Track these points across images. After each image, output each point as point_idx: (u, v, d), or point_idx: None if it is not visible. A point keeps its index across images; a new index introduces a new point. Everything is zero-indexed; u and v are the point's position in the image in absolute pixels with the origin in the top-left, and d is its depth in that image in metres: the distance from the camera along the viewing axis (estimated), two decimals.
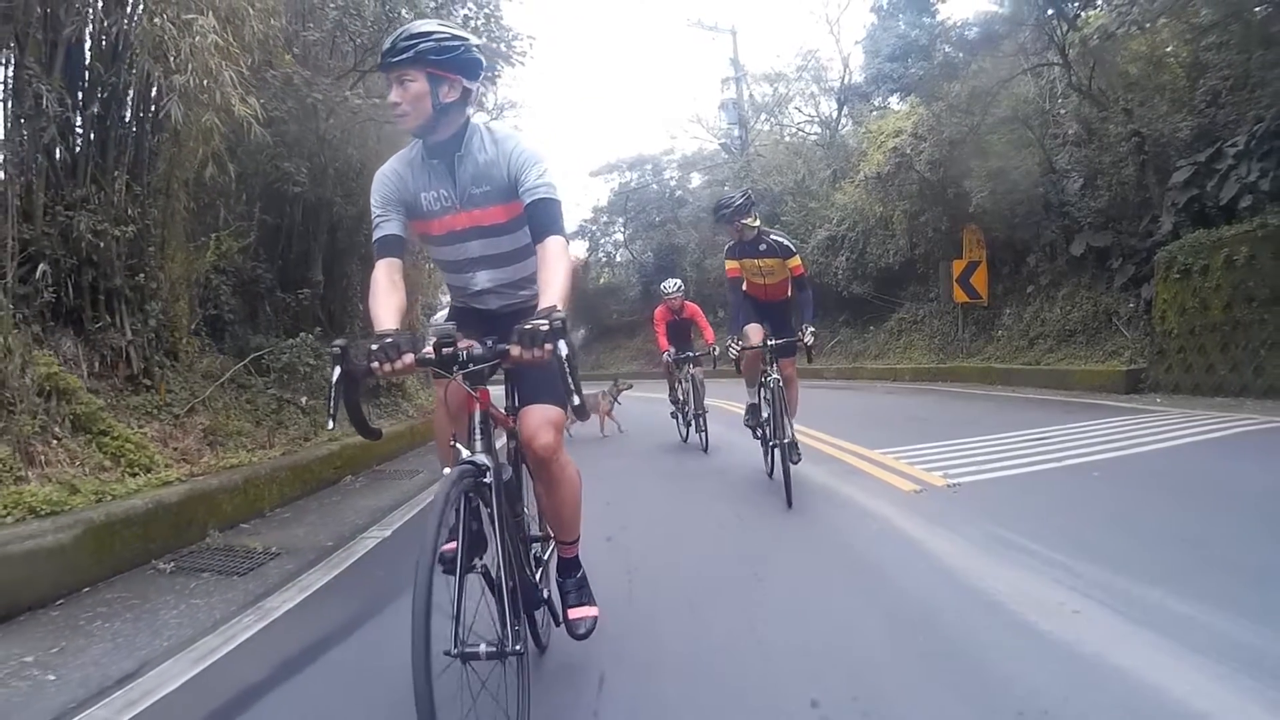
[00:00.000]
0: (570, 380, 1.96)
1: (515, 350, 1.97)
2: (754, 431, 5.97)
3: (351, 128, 8.52)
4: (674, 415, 8.94)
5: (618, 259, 35.92)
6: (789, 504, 4.85)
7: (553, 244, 2.34)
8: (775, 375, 5.25)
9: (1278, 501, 4.40)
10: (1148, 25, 10.48)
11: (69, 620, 3.65)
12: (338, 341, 2.05)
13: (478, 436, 2.14)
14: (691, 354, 8.52)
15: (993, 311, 15.59)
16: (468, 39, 2.42)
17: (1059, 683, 2.38)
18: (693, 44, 63.52)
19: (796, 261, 5.62)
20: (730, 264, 5.79)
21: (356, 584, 4.14)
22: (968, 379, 14.29)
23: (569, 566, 2.78)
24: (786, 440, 5.16)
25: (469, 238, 2.58)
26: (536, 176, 2.41)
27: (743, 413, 6.20)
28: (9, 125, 5.75)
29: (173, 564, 4.52)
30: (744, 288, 5.87)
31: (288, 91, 7.65)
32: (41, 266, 5.89)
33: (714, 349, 8.20)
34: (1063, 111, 14.08)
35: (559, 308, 2.11)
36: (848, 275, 19.42)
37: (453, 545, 2.14)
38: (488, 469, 2.09)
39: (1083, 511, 4.49)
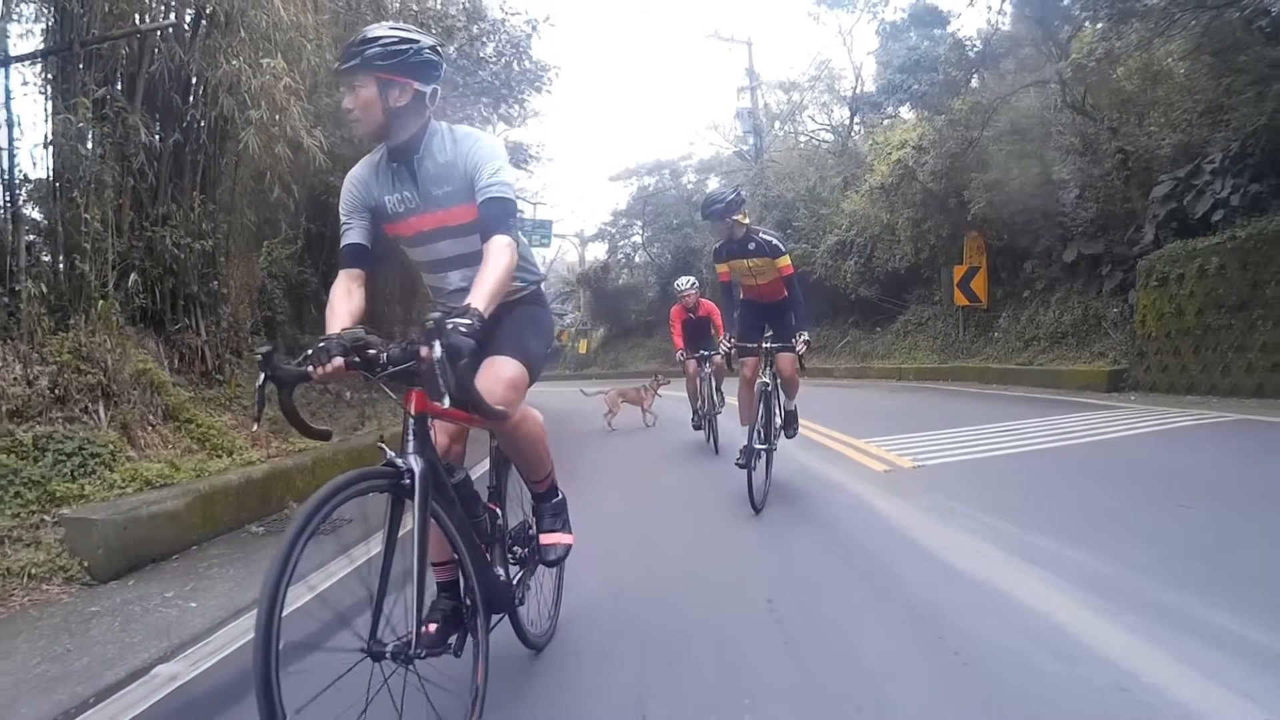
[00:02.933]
0: (442, 381, 1.94)
1: (424, 350, 1.97)
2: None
3: None
4: (696, 425, 8.43)
5: (636, 260, 36.68)
6: (756, 511, 4.88)
7: (495, 243, 2.34)
8: (765, 379, 5.19)
9: (1182, 478, 5.24)
10: (1123, 60, 11.19)
11: (189, 569, 4.55)
12: (262, 348, 2.07)
13: (410, 438, 2.12)
14: (706, 352, 8.26)
15: (992, 314, 16.31)
16: (418, 41, 2.41)
17: (949, 593, 3.26)
18: (710, 54, 64.70)
19: (786, 261, 5.44)
20: (720, 267, 5.62)
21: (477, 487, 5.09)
22: (967, 378, 14.98)
23: (543, 496, 2.86)
24: (787, 411, 5.50)
25: (437, 238, 2.57)
26: (489, 175, 2.41)
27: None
28: (102, 152, 6.55)
29: (263, 528, 5.44)
30: (741, 294, 5.77)
31: (341, 117, 8.55)
32: (132, 276, 6.83)
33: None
34: (1061, 127, 14.74)
35: (473, 308, 2.09)
36: (856, 279, 20.14)
37: (434, 626, 2.31)
38: (408, 471, 2.06)
39: (1017, 487, 5.36)
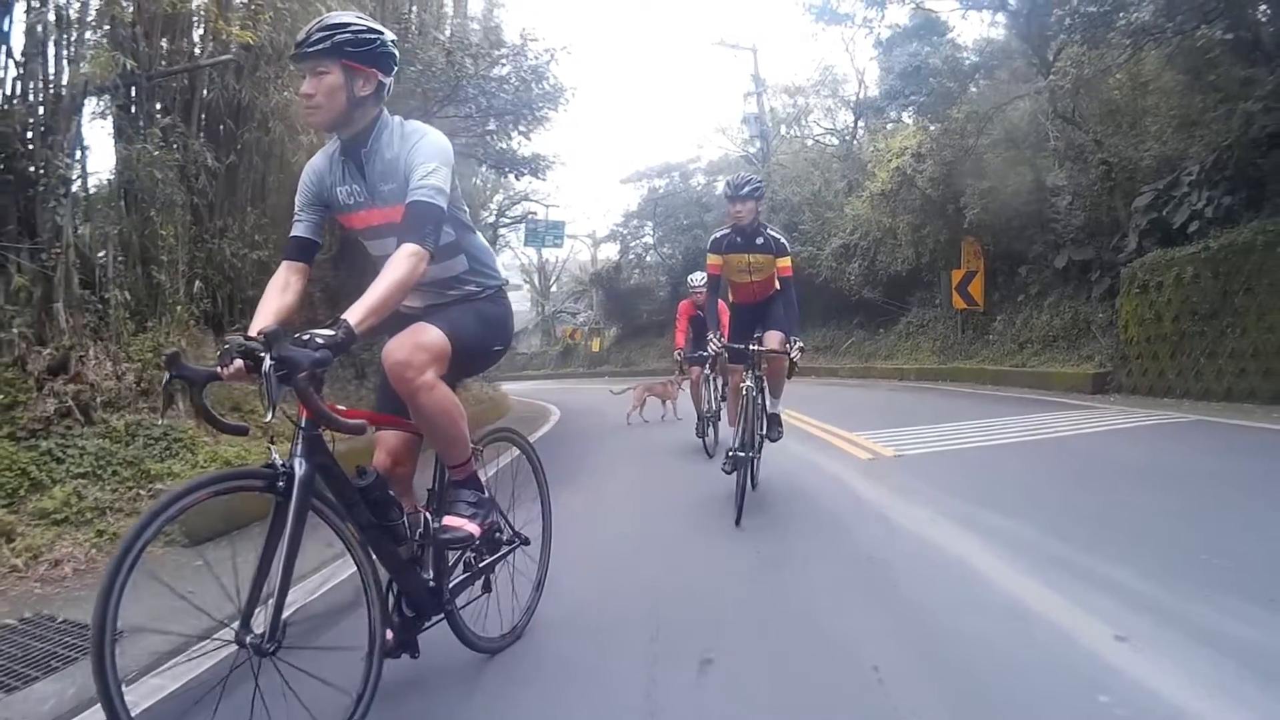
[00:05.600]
0: (268, 395, 1.99)
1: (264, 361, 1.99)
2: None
3: None
4: (700, 433, 8.07)
5: (648, 260, 37.31)
6: (737, 521, 4.76)
7: (399, 253, 2.27)
8: (749, 383, 5.08)
9: (1123, 468, 5.98)
10: (1098, 83, 11.86)
11: None
12: (168, 351, 2.09)
13: (298, 441, 2.14)
14: (705, 353, 7.36)
15: (988, 317, 16.96)
16: (383, 33, 2.41)
17: (898, 549, 4.09)
18: (716, 59, 65.63)
19: (787, 262, 5.30)
20: (713, 259, 5.41)
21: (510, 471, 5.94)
22: (964, 379, 15.62)
23: (463, 484, 2.74)
24: (770, 414, 5.38)
25: (387, 234, 2.46)
26: (420, 176, 2.35)
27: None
28: (172, 175, 7.29)
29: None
30: (730, 297, 5.68)
31: None
32: (197, 283, 7.64)
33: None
34: (1054, 137, 15.30)
35: (342, 320, 2.08)
36: (860, 281, 20.85)
37: (390, 634, 2.48)
38: (285, 474, 2.10)
39: (980, 473, 6.10)
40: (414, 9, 11.93)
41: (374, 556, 2.40)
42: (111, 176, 7.04)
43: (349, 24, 2.35)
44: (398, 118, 2.54)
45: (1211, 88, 10.46)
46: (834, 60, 43.20)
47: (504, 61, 10.50)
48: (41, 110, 6.44)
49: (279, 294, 2.47)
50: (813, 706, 2.48)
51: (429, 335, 2.44)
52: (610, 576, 4.03)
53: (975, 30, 34.72)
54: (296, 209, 2.57)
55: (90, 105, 7.54)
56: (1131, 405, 10.08)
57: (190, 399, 2.18)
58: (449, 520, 2.63)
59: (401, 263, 2.23)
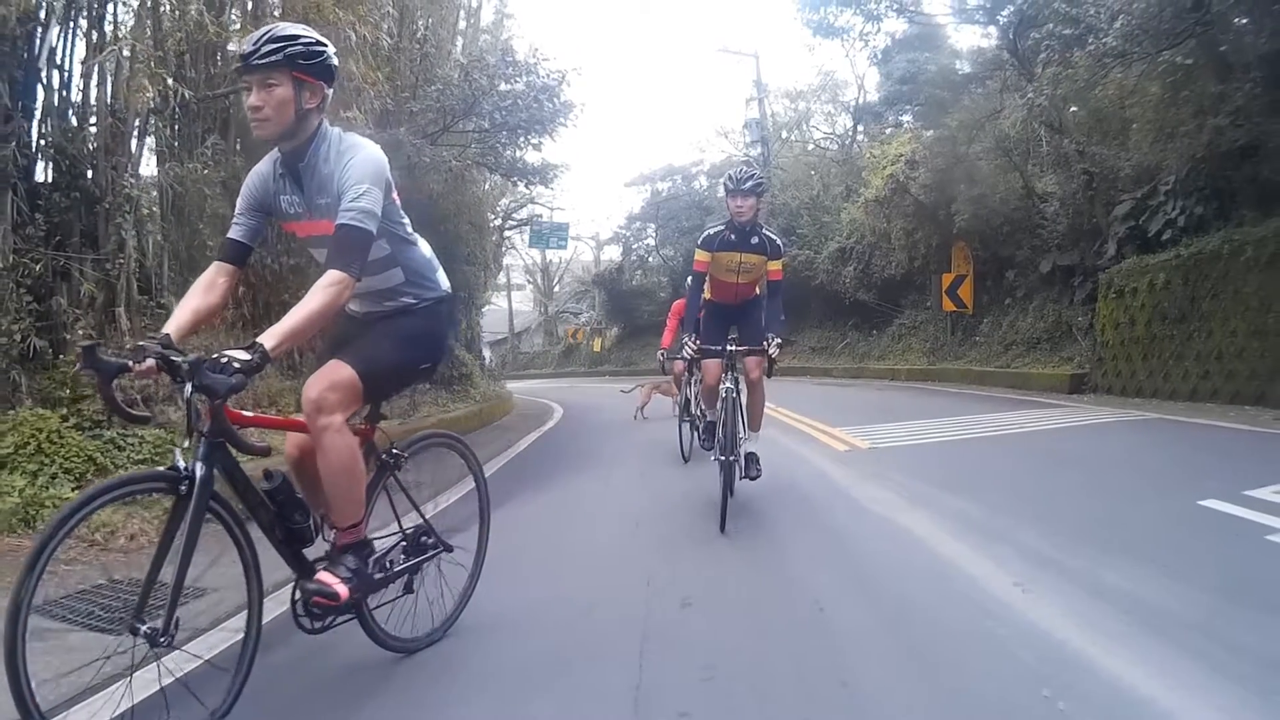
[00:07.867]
0: (189, 421, 2.07)
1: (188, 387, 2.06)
2: (712, 452, 5.21)
3: (449, 183, 11.02)
4: (690, 421, 7.84)
5: (650, 262, 37.93)
6: (722, 528, 4.66)
7: (323, 279, 2.29)
8: (729, 384, 4.91)
9: (1073, 458, 6.69)
10: (1072, 100, 12.47)
11: None
12: (84, 342, 2.13)
13: (201, 445, 2.20)
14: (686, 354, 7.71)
15: (976, 320, 17.56)
16: (328, 45, 2.42)
17: (859, 524, 4.80)
18: (719, 64, 66.60)
19: (779, 265, 5.10)
20: (701, 255, 5.15)
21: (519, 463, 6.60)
22: (952, 379, 16.17)
23: (351, 549, 2.61)
24: (745, 453, 5.08)
25: (325, 244, 2.45)
26: (350, 198, 2.34)
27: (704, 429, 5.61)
28: (213, 189, 7.98)
29: None
30: (708, 294, 5.45)
31: (398, 154, 10.06)
32: (240, 288, 8.33)
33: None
34: (1046, 141, 15.79)
35: (258, 344, 2.11)
36: (855, 283, 21.48)
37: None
38: (187, 477, 2.16)
39: (943, 462, 6.79)
40: (429, 21, 12.59)
41: (259, 562, 2.46)
42: (155, 191, 7.73)
43: (299, 36, 2.37)
44: (336, 130, 2.54)
45: (1186, 102, 10.94)
46: (834, 66, 43.65)
47: (517, 79, 11.14)
48: (97, 132, 7.10)
49: (203, 294, 2.47)
50: (766, 630, 3.15)
51: (340, 375, 2.48)
52: (613, 543, 4.77)
53: (969, 40, 35.12)
54: (236, 211, 2.58)
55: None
56: (1101, 404, 10.72)
57: (99, 388, 2.20)
58: (322, 575, 2.54)
59: (322, 291, 2.27)
